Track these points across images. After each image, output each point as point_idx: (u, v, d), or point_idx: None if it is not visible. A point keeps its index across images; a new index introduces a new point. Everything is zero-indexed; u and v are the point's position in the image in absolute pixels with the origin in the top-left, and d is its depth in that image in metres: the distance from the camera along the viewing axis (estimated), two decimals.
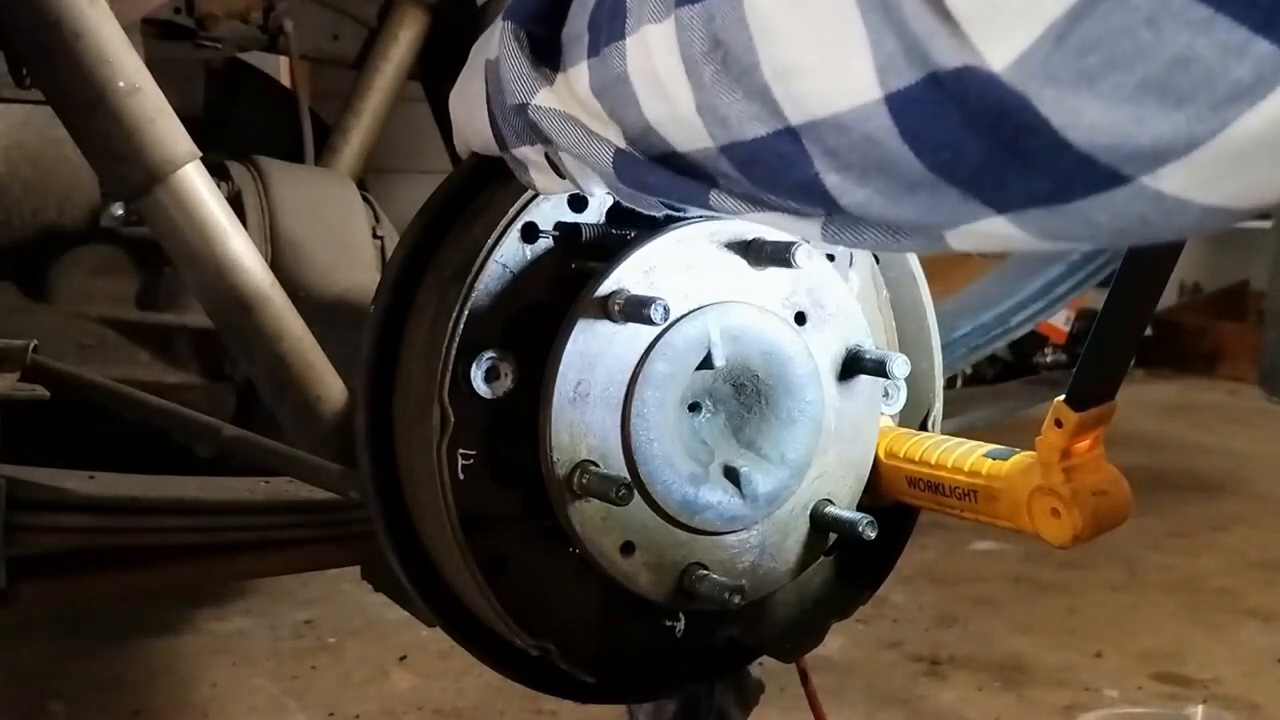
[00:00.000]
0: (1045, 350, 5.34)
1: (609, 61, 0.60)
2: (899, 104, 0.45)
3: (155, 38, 2.01)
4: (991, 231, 0.47)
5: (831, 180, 0.51)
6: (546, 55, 0.68)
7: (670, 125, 0.58)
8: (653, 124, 0.59)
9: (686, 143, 0.58)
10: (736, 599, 0.85)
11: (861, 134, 0.47)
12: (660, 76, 0.56)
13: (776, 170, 0.53)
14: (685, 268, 0.83)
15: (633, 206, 0.74)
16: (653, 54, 0.56)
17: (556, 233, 0.84)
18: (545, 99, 0.68)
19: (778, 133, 0.51)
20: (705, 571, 0.86)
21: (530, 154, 0.74)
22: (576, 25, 0.65)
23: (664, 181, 0.63)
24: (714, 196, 0.61)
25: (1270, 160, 0.37)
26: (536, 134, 0.70)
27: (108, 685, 2.24)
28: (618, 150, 0.64)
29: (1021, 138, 0.41)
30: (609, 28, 0.60)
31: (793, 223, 0.58)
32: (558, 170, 0.73)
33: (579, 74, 0.64)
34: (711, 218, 0.83)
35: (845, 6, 0.45)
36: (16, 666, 2.29)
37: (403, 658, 2.36)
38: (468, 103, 0.78)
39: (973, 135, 0.43)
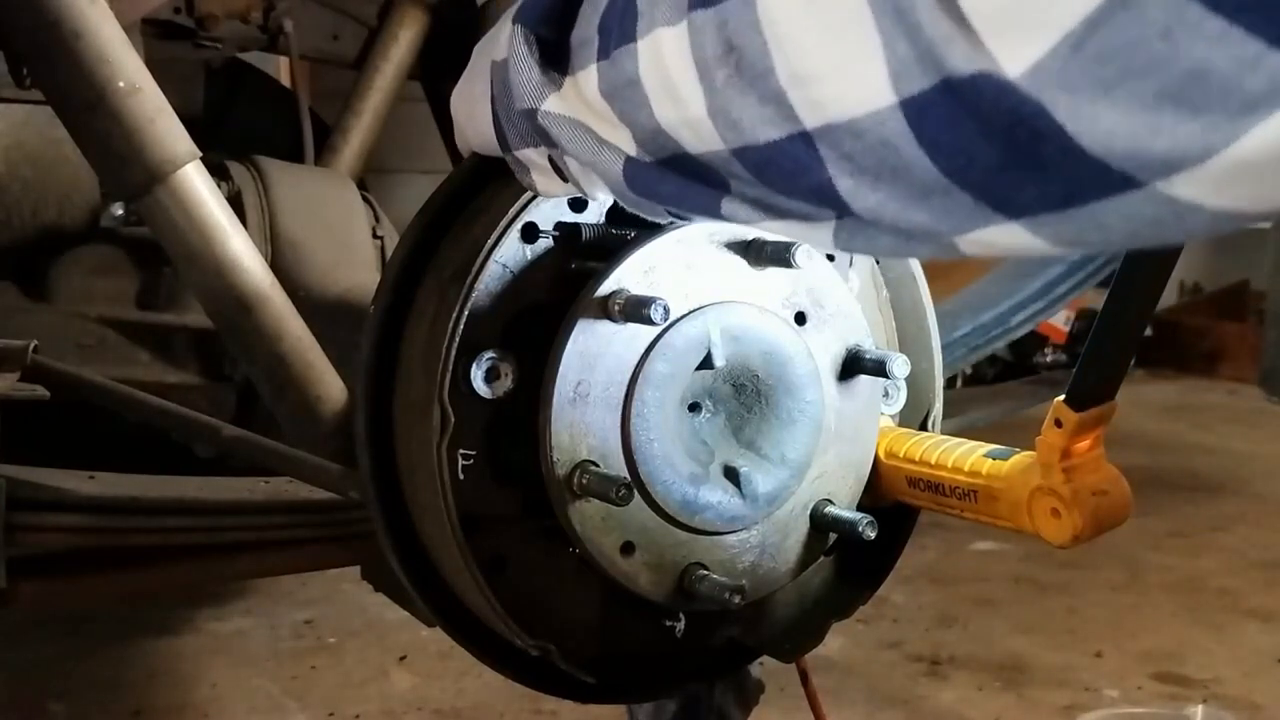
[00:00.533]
0: (1045, 350, 5.34)
1: (620, 64, 0.60)
2: (914, 109, 0.45)
3: (155, 38, 2.01)
4: (1003, 237, 0.47)
5: (845, 185, 0.51)
6: (555, 59, 0.68)
7: (681, 128, 0.58)
8: (664, 127, 0.59)
9: (698, 145, 0.58)
10: (736, 599, 0.85)
11: (877, 138, 0.47)
12: (672, 79, 0.56)
13: (789, 174, 0.53)
14: (685, 268, 0.83)
15: (637, 214, 0.74)
16: (664, 57, 0.56)
17: (556, 233, 0.84)
18: (554, 105, 0.67)
19: (791, 137, 0.51)
20: (705, 571, 0.86)
21: (533, 156, 0.74)
22: (586, 29, 0.65)
23: (676, 191, 0.63)
24: (726, 205, 0.60)
25: None
26: (543, 138, 0.70)
27: (108, 685, 2.24)
28: (628, 159, 0.64)
29: (1036, 144, 0.42)
30: (619, 30, 0.60)
31: (804, 230, 0.58)
32: (560, 173, 0.73)
33: (588, 77, 0.64)
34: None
35: (858, 11, 0.45)
36: (16, 666, 2.29)
37: (403, 658, 2.36)
38: (469, 103, 0.78)
39: (986, 141, 0.43)
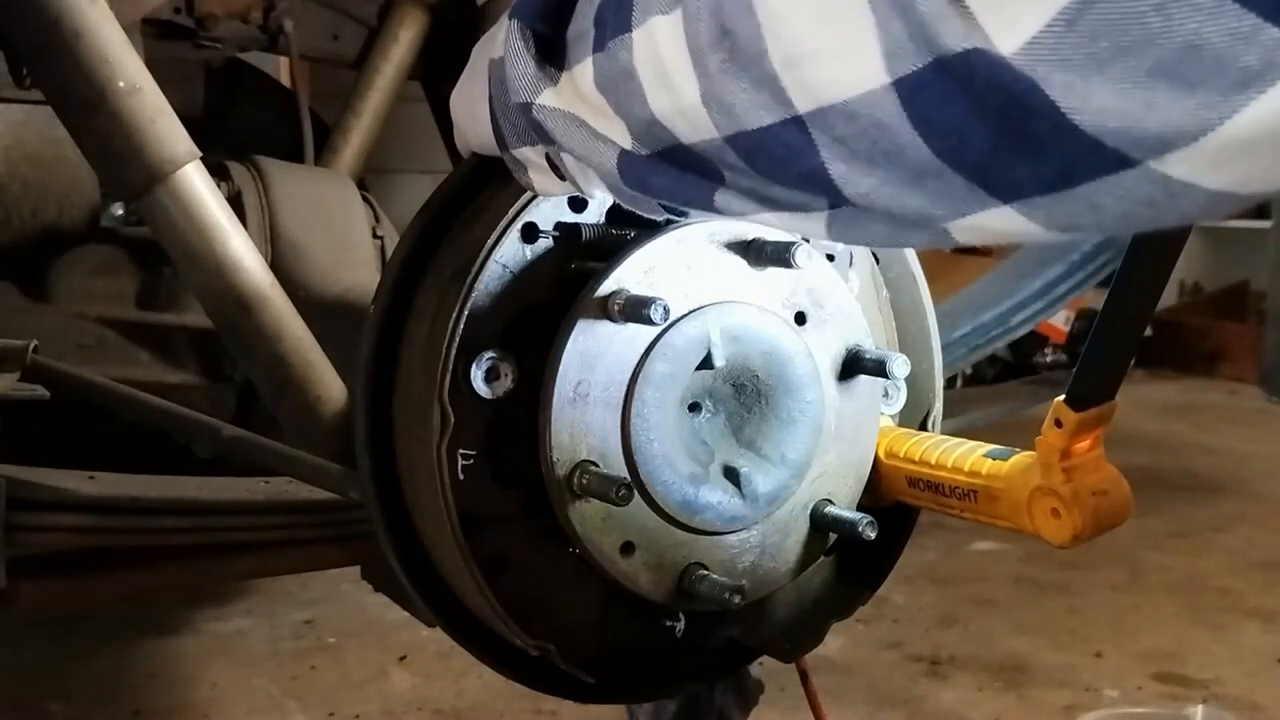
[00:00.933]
0: (1045, 350, 5.33)
1: (615, 55, 0.60)
2: (907, 89, 0.45)
3: (155, 38, 2.01)
4: (996, 222, 0.47)
5: (837, 169, 0.51)
6: (552, 54, 0.68)
7: (675, 117, 0.58)
8: (658, 117, 0.59)
9: (691, 134, 0.58)
10: (736, 599, 0.85)
11: (871, 120, 0.47)
12: (666, 68, 0.56)
13: (782, 160, 0.53)
14: (685, 268, 0.83)
15: (633, 209, 0.74)
16: (659, 45, 0.56)
17: (556, 233, 0.84)
18: (550, 99, 0.67)
19: (784, 121, 0.51)
20: (705, 571, 0.86)
21: (531, 154, 0.74)
22: (582, 23, 0.65)
23: (669, 184, 0.63)
24: (719, 197, 0.60)
25: (1277, 146, 0.38)
26: (539, 134, 0.70)
27: (108, 685, 2.24)
28: (622, 152, 0.64)
29: (1029, 122, 0.41)
30: (615, 21, 0.60)
31: (798, 221, 0.58)
32: (558, 171, 0.73)
33: (584, 71, 0.64)
34: (712, 218, 0.83)
35: None
36: (16, 666, 2.29)
37: (403, 658, 2.36)
38: (469, 102, 0.78)
39: (979, 120, 0.43)
